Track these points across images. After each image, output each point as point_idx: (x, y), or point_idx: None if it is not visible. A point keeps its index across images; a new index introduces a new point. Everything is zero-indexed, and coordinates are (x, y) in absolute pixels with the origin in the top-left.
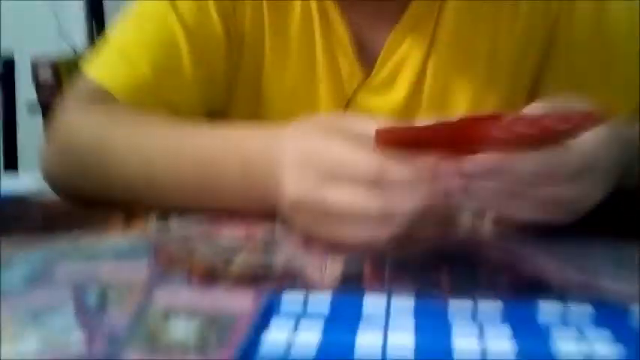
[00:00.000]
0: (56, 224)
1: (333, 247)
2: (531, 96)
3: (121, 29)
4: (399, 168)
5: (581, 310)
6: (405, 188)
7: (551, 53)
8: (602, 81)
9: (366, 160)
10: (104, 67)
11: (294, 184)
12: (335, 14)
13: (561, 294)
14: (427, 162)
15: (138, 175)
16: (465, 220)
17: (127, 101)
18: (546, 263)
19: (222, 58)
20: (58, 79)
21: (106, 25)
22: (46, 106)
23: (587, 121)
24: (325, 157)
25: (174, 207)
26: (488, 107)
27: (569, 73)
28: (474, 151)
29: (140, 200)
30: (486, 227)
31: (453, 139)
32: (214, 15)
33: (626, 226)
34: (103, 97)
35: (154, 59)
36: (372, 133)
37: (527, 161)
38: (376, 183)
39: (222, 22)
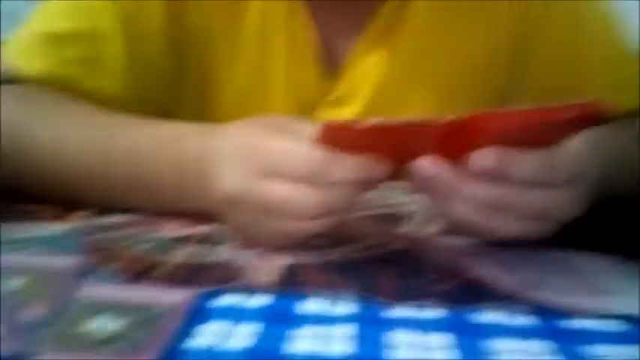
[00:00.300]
0: None
1: (272, 246)
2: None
3: (52, 11)
4: (339, 164)
5: (525, 319)
6: (343, 184)
7: (520, 68)
8: (570, 97)
9: (306, 154)
10: (27, 51)
11: (232, 179)
12: (299, 21)
13: (505, 302)
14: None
15: (56, 168)
16: (412, 221)
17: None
18: (491, 270)
19: (161, 53)
20: None
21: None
22: None
23: (586, 111)
24: (264, 151)
25: (103, 204)
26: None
27: (539, 89)
28: (451, 153)
29: (61, 195)
30: (432, 230)
31: (434, 140)
32: (157, 9)
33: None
34: (20, 80)
35: (80, 52)
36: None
37: (527, 162)
38: (315, 178)
39: (164, 16)
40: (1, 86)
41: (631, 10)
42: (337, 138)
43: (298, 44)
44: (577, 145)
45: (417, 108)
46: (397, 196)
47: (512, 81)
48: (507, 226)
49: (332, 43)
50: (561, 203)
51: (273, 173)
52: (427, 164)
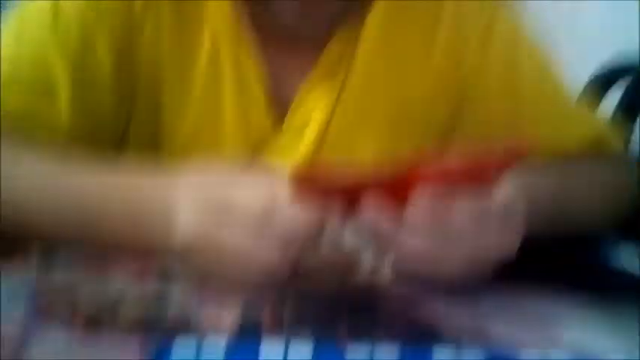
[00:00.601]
0: None
1: (229, 290)
2: (443, 144)
3: (4, 51)
4: (281, 215)
5: (474, 356)
6: (293, 228)
7: (463, 103)
8: (512, 131)
9: (256, 198)
10: None
11: (190, 229)
12: (248, 60)
13: (455, 340)
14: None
15: (13, 209)
16: (365, 264)
17: None
18: (440, 309)
19: (109, 93)
20: None
21: None
22: None
23: (515, 153)
24: (218, 197)
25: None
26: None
27: (480, 123)
28: (400, 196)
29: (11, 233)
30: (385, 272)
31: (384, 184)
32: (104, 50)
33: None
34: None
35: (27, 101)
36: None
37: (461, 209)
38: (265, 221)
39: (112, 58)
40: None
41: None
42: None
43: (247, 82)
44: (505, 188)
45: (362, 146)
46: (348, 237)
47: (453, 116)
48: (448, 268)
49: (281, 81)
50: (495, 246)
51: (228, 223)
52: (369, 212)
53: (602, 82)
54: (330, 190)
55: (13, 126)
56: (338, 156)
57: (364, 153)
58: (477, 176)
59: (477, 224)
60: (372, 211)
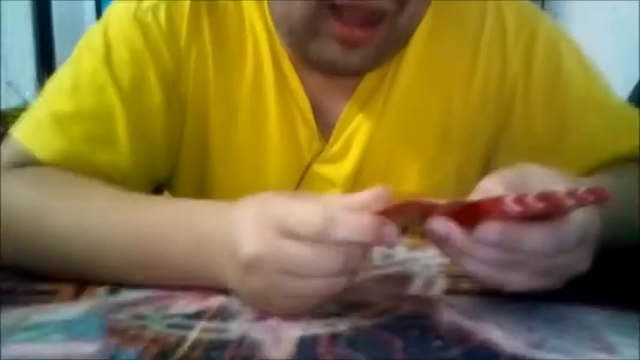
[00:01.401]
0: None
1: (286, 314)
2: (485, 166)
3: (57, 90)
4: (341, 225)
5: None
6: (354, 236)
7: (507, 118)
8: (556, 146)
9: (315, 209)
10: (35, 132)
11: (252, 242)
12: (295, 83)
13: None
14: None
15: (79, 251)
16: (416, 282)
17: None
18: (496, 333)
19: (161, 125)
20: (5, 129)
21: None
22: None
23: (594, 197)
24: (283, 215)
25: (120, 281)
26: (439, 179)
27: (525, 137)
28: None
29: (83, 275)
30: (437, 290)
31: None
32: (154, 83)
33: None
34: (29, 163)
35: (88, 129)
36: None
37: (535, 237)
38: (326, 229)
39: (162, 89)
40: (12, 170)
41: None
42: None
43: (290, 107)
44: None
45: (406, 165)
46: (400, 253)
47: (498, 131)
48: (519, 281)
49: (322, 105)
50: (571, 263)
51: (290, 234)
52: (440, 224)
53: None
54: (401, 208)
55: (74, 156)
56: (379, 180)
57: (408, 172)
58: (549, 214)
59: (549, 245)
60: (444, 222)
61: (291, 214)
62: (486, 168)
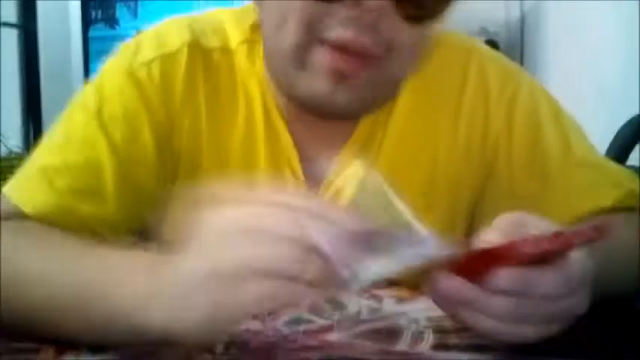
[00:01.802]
0: None
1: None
2: (470, 216)
3: (47, 145)
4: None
5: None
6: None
7: (489, 176)
8: (539, 200)
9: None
10: (22, 186)
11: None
12: (284, 134)
13: None
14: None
15: (47, 301)
16: (405, 340)
17: (42, 221)
18: None
19: (152, 178)
20: None
21: (43, 126)
22: None
23: (597, 233)
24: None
25: (84, 339)
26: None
27: (506, 196)
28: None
29: (40, 329)
30: (425, 345)
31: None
32: (148, 137)
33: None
34: (19, 216)
35: (74, 183)
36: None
37: (549, 279)
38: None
39: (155, 144)
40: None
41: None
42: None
43: (280, 161)
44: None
45: None
46: (388, 306)
47: (484, 184)
48: (532, 331)
49: (313, 157)
50: (573, 305)
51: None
52: (449, 283)
53: (631, 133)
54: None
55: (60, 209)
56: None
57: None
58: (557, 253)
59: (561, 286)
60: (451, 279)
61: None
62: (471, 218)
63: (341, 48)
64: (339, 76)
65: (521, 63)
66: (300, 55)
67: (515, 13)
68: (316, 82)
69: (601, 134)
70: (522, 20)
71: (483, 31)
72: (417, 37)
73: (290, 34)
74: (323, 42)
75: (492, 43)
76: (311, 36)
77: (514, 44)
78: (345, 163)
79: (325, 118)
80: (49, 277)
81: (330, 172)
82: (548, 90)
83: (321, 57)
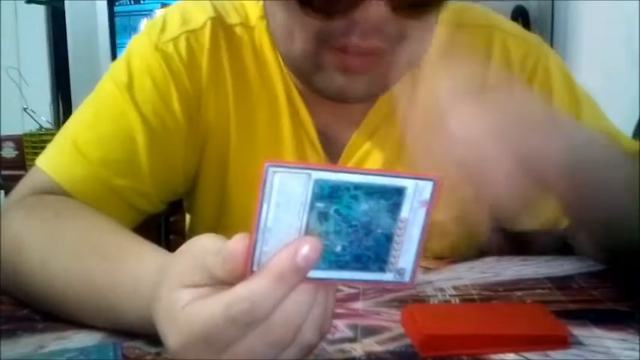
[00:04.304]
0: (17, 328)
1: None
2: None
3: (78, 119)
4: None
5: None
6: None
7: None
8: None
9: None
10: (55, 159)
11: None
12: (303, 111)
13: None
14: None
15: (43, 289)
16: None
17: (77, 194)
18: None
19: (182, 147)
20: (21, 154)
21: (72, 101)
22: (10, 180)
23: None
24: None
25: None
26: (460, 204)
27: None
28: None
29: (48, 306)
30: None
31: None
32: (177, 107)
33: None
34: (52, 189)
35: (107, 154)
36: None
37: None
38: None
39: (184, 113)
40: (26, 198)
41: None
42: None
43: (301, 135)
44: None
45: None
46: None
47: None
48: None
49: (332, 133)
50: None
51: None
52: None
53: None
54: None
55: (92, 181)
56: None
57: None
58: None
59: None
60: None
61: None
62: None
63: (349, 51)
64: (354, 71)
65: (552, 30)
66: (312, 60)
67: None
68: (331, 79)
69: (632, 103)
70: None
71: None
72: (424, 25)
73: (298, 45)
74: (331, 48)
75: (522, 10)
76: (319, 45)
77: (544, 11)
78: (361, 140)
79: (343, 103)
80: (49, 270)
81: (348, 146)
82: (564, 64)
83: (332, 59)
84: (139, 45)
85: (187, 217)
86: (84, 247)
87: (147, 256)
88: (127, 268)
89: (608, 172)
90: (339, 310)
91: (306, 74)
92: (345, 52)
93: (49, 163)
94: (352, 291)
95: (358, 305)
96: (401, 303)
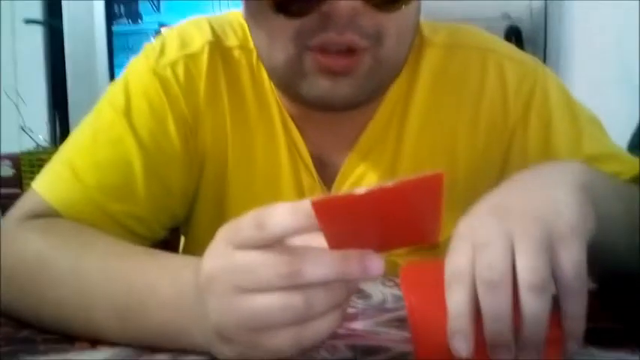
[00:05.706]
0: (18, 350)
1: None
2: None
3: (76, 143)
4: (310, 263)
5: None
6: (322, 286)
7: (505, 169)
8: None
9: (273, 262)
10: (52, 183)
11: (214, 305)
12: (295, 133)
13: None
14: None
15: (71, 298)
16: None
17: (74, 219)
18: None
19: (179, 171)
20: (19, 173)
21: (69, 120)
22: (7, 199)
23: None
24: (234, 270)
25: (104, 337)
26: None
27: None
28: None
29: (69, 326)
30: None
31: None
32: (173, 131)
33: None
34: (48, 213)
35: (104, 179)
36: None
37: None
38: (289, 282)
39: (180, 137)
40: (30, 220)
41: (624, 29)
42: (331, 213)
43: (296, 158)
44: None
45: None
46: None
47: (500, 182)
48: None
49: (326, 157)
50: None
51: (250, 289)
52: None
53: None
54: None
55: (89, 206)
56: None
57: None
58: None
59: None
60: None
61: (247, 267)
62: None
63: (327, 50)
64: (336, 72)
65: (544, 49)
66: (295, 66)
67: None
68: (315, 84)
69: (625, 120)
70: (545, 5)
71: (505, 16)
72: (402, 20)
73: (280, 52)
74: (310, 48)
75: (515, 29)
76: (299, 47)
77: (537, 30)
78: (355, 163)
79: (331, 111)
80: (83, 276)
81: (342, 170)
82: (563, 83)
83: (313, 61)
84: (137, 68)
85: (182, 239)
86: (115, 253)
87: (179, 257)
88: (162, 263)
89: (613, 208)
90: (338, 330)
91: (292, 84)
92: (325, 53)
93: (46, 186)
94: (351, 311)
95: (358, 325)
96: (401, 323)
